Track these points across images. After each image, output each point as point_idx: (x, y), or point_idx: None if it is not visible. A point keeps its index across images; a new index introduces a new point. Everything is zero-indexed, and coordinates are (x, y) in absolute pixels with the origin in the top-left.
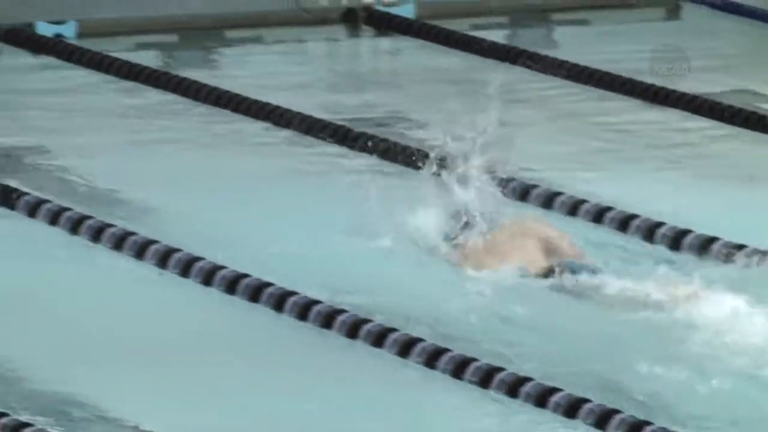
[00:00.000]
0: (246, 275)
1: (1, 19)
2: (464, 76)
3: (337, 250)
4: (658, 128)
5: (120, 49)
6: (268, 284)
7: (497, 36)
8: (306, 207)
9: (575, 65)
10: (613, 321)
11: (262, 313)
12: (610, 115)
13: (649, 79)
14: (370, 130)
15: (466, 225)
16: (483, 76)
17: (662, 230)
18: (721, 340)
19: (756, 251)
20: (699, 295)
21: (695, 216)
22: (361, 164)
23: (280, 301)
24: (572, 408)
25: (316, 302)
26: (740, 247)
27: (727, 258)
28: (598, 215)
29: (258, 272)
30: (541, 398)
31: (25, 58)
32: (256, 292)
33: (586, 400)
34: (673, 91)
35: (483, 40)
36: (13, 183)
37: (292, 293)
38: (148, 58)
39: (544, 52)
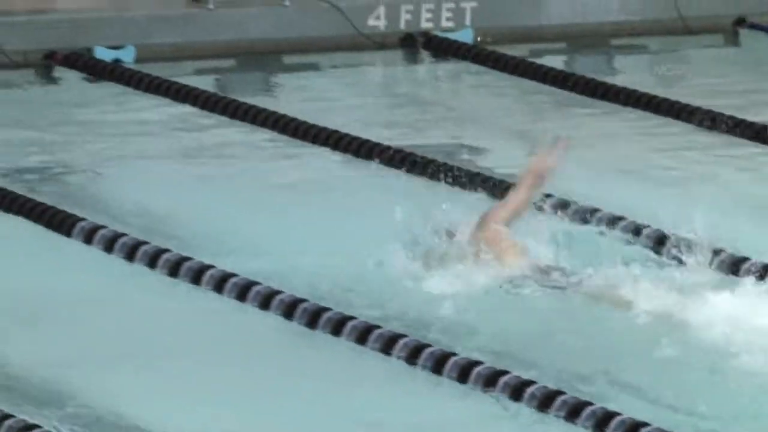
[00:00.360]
0: (303, 300)
1: (59, 44)
2: (522, 102)
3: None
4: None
5: (178, 74)
6: (326, 309)
7: (555, 62)
8: (367, 229)
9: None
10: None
11: (321, 338)
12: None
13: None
14: (428, 155)
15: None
16: (541, 101)
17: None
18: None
19: None
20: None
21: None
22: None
23: (338, 325)
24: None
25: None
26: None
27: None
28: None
29: (316, 300)
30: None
31: (83, 83)
32: (314, 317)
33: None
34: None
35: (541, 66)
36: (69, 208)
37: (351, 317)
38: (206, 83)
39: (602, 78)
